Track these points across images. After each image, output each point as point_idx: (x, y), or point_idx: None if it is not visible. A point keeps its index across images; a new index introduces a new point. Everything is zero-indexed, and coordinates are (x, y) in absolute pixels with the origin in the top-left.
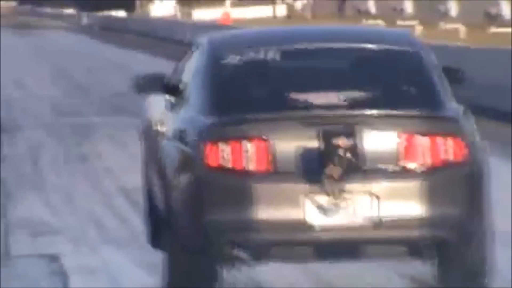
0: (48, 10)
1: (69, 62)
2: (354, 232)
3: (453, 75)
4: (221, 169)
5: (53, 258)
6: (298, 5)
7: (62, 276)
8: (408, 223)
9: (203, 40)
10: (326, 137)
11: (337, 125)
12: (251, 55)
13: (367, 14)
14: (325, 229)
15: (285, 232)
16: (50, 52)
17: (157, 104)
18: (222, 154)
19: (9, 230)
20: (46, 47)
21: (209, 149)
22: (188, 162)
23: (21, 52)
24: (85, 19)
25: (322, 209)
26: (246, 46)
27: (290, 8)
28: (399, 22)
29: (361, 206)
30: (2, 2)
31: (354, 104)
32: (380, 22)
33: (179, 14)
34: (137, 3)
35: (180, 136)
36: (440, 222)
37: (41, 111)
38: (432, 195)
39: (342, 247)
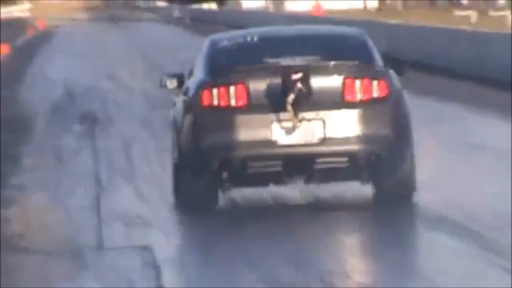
0: (140, 3)
1: (161, 54)
2: (309, 147)
3: (398, 66)
4: (213, 106)
5: (146, 249)
6: None
7: (154, 268)
8: (348, 140)
9: (207, 38)
10: (287, 77)
11: (295, 69)
12: (236, 41)
13: (459, 4)
14: (287, 145)
15: (259, 148)
16: (142, 45)
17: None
18: (213, 96)
19: (102, 222)
20: (138, 40)
21: (204, 94)
22: (190, 105)
23: (113, 45)
24: (176, 11)
25: (285, 130)
26: (233, 37)
27: (381, 0)
28: (492, 13)
29: (313, 127)
30: None
31: (309, 60)
32: (471, 12)
33: (271, 6)
34: None
35: (186, 92)
36: (372, 139)
37: (134, 103)
38: (365, 120)
39: (299, 160)
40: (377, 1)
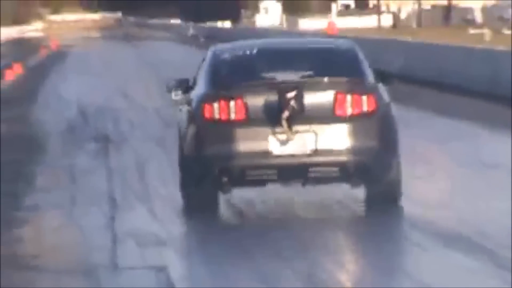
0: (154, 21)
1: (175, 72)
2: (301, 158)
3: (385, 77)
4: (213, 119)
5: (161, 270)
6: (404, 15)
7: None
8: (338, 152)
9: (210, 48)
10: (281, 95)
11: (289, 86)
12: (236, 54)
13: (472, 23)
14: (282, 156)
15: (256, 159)
16: (155, 63)
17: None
18: (214, 109)
19: (117, 241)
20: (152, 58)
21: (205, 107)
22: (193, 117)
23: (126, 64)
24: (191, 30)
25: (280, 142)
26: (234, 50)
27: (396, 18)
28: (506, 32)
29: (306, 140)
30: (106, 14)
31: (304, 76)
32: (485, 30)
33: (285, 24)
34: (243, 13)
35: (189, 103)
36: (360, 151)
37: (148, 122)
38: (354, 133)
39: (293, 169)
40: (391, 19)
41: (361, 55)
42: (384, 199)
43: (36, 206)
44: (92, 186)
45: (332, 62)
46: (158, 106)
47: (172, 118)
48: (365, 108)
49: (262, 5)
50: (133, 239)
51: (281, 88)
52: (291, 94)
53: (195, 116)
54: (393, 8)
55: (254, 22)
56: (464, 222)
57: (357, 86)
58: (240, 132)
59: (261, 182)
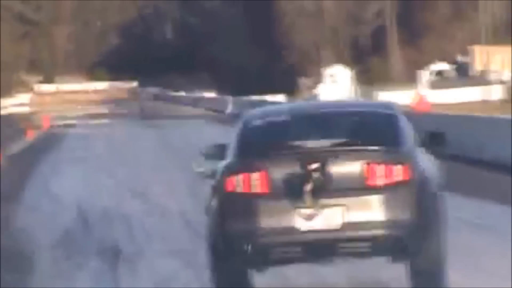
0: (182, 93)
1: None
2: (329, 233)
3: (436, 139)
4: (235, 192)
5: None
6: None
7: None
8: (369, 225)
9: (243, 116)
10: (305, 166)
11: (314, 157)
12: (267, 121)
13: None
14: (308, 232)
15: (281, 235)
16: (182, 151)
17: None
18: (236, 182)
19: None
20: (178, 144)
21: (228, 179)
22: (215, 190)
23: (144, 151)
24: (230, 106)
25: (305, 217)
26: (265, 116)
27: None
28: None
29: (334, 214)
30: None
31: (330, 145)
32: None
33: (358, 95)
34: (301, 83)
35: (214, 175)
36: (393, 224)
37: (172, 232)
38: (386, 205)
39: (321, 246)
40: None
41: (401, 119)
42: (425, 274)
43: None
44: None
45: (367, 127)
46: (186, 210)
47: (203, 224)
48: (398, 178)
49: (327, 72)
50: None
51: (304, 159)
52: (314, 165)
53: (217, 189)
54: (506, 76)
55: (315, 96)
56: None
57: (389, 155)
58: (263, 206)
59: (288, 260)
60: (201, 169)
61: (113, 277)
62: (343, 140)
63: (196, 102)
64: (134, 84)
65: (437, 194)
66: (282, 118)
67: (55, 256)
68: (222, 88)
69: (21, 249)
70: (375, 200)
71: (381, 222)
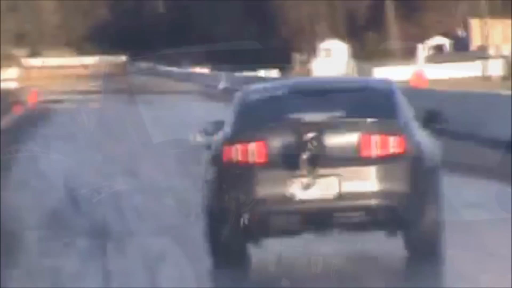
0: (173, 68)
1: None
2: (325, 203)
3: (435, 117)
4: (233, 162)
5: None
6: None
7: None
8: (365, 195)
9: (240, 89)
10: (302, 136)
11: (310, 128)
12: (264, 95)
13: None
14: (305, 201)
15: (278, 204)
16: (174, 127)
17: None
18: (234, 152)
19: None
20: (169, 120)
21: (225, 150)
22: (213, 161)
23: (134, 127)
24: (223, 82)
25: (302, 187)
26: (263, 90)
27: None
28: None
29: (330, 183)
30: (105, 58)
31: (329, 117)
32: None
33: (354, 72)
34: (295, 58)
35: (211, 145)
36: (388, 194)
37: (161, 210)
38: (380, 175)
39: (317, 215)
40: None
41: (397, 95)
42: (421, 248)
43: None
44: None
45: (364, 102)
46: (177, 187)
47: (196, 204)
48: (393, 149)
49: (322, 46)
50: None
51: (301, 130)
52: (309, 136)
53: (214, 159)
54: (506, 51)
55: (308, 70)
56: None
57: (385, 126)
58: (260, 175)
59: (284, 232)
60: (200, 139)
61: (102, 255)
62: (339, 113)
63: (188, 77)
64: (124, 58)
65: (432, 168)
66: (280, 93)
67: (40, 236)
68: (215, 63)
69: (5, 228)
70: (370, 170)
71: (376, 193)
